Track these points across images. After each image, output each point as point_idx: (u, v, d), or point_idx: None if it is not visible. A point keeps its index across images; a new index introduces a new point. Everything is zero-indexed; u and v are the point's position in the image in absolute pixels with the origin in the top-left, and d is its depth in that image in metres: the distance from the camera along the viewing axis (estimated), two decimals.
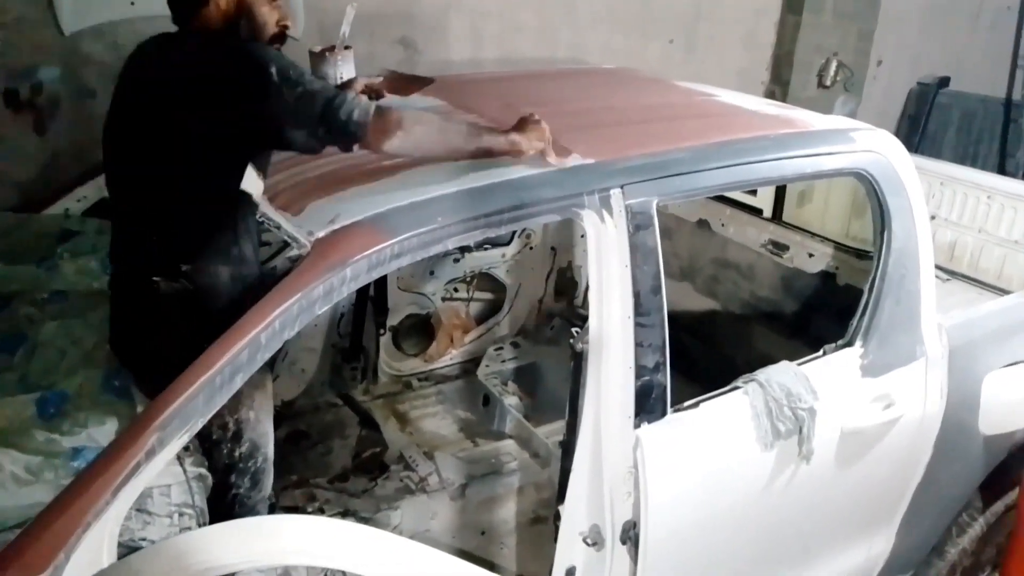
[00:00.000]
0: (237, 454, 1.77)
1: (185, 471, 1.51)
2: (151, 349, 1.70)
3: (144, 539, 1.41)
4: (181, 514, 1.49)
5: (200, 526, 1.50)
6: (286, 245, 2.70)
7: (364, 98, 1.63)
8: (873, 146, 2.06)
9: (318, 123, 1.54)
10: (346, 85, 1.97)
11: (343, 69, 2.04)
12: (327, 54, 2.00)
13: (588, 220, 1.67)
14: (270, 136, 1.60)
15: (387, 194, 1.57)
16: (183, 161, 1.61)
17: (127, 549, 1.36)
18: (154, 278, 1.66)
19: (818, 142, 2.02)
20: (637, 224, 1.68)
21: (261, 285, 1.63)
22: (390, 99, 2.05)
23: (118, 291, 1.79)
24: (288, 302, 1.38)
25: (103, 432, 1.61)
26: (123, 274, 1.78)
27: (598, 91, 2.39)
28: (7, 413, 1.65)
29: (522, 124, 1.68)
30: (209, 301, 1.67)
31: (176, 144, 1.60)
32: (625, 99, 2.33)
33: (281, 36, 1.79)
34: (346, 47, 2.02)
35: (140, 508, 1.43)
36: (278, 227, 1.55)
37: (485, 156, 1.66)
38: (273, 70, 1.53)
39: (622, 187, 1.69)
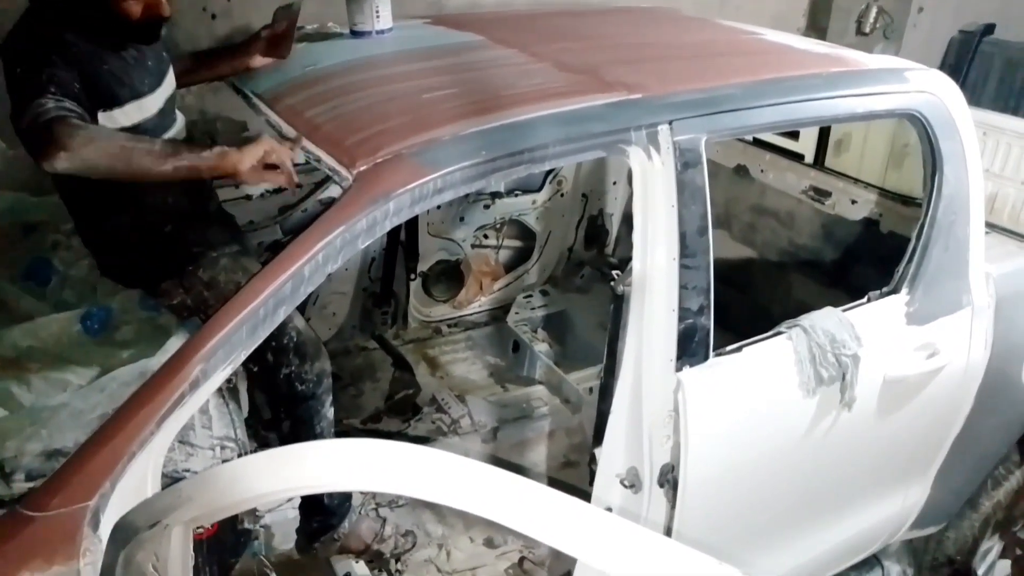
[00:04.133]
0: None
1: (227, 404, 1.50)
2: (120, 269, 1.91)
3: (188, 470, 1.41)
4: (223, 447, 1.49)
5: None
6: (320, 185, 2.68)
7: (56, 108, 1.51)
8: (927, 87, 1.98)
9: (16, 118, 1.53)
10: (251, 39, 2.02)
11: (378, 2, 1.98)
12: None
13: (634, 157, 1.62)
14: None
15: (429, 127, 1.52)
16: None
17: (170, 480, 1.36)
18: (76, 228, 1.92)
19: (871, 81, 1.94)
20: (685, 162, 1.63)
21: (176, 207, 1.89)
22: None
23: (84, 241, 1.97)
24: (331, 235, 1.35)
25: (151, 345, 1.61)
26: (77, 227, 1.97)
27: (640, 28, 2.31)
28: (53, 331, 1.66)
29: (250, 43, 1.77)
30: (124, 238, 1.87)
31: None
32: (669, 36, 2.26)
33: (152, 13, 1.75)
34: None
35: (183, 440, 1.43)
36: (318, 160, 1.52)
37: (192, 175, 1.58)
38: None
39: (670, 123, 1.63)
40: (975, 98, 5.30)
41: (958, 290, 2.07)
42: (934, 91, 1.99)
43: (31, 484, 1.35)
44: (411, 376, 2.93)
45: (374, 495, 2.42)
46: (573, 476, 2.53)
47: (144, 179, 1.57)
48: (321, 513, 2.17)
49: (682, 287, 1.67)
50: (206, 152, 1.56)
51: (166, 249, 1.92)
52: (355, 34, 2.06)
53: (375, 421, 2.71)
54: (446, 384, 2.95)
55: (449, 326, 3.35)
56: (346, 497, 2.21)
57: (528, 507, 1.21)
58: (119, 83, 1.77)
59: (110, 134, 1.62)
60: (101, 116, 1.72)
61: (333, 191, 2.71)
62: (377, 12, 2.02)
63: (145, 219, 1.90)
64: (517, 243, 3.46)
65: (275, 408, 2.01)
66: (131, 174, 1.54)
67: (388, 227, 1.43)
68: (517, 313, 3.26)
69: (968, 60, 5.22)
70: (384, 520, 2.39)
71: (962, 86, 2.07)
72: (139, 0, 1.73)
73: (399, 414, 2.74)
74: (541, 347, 3.08)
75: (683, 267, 1.66)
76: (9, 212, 2.08)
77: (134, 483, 1.27)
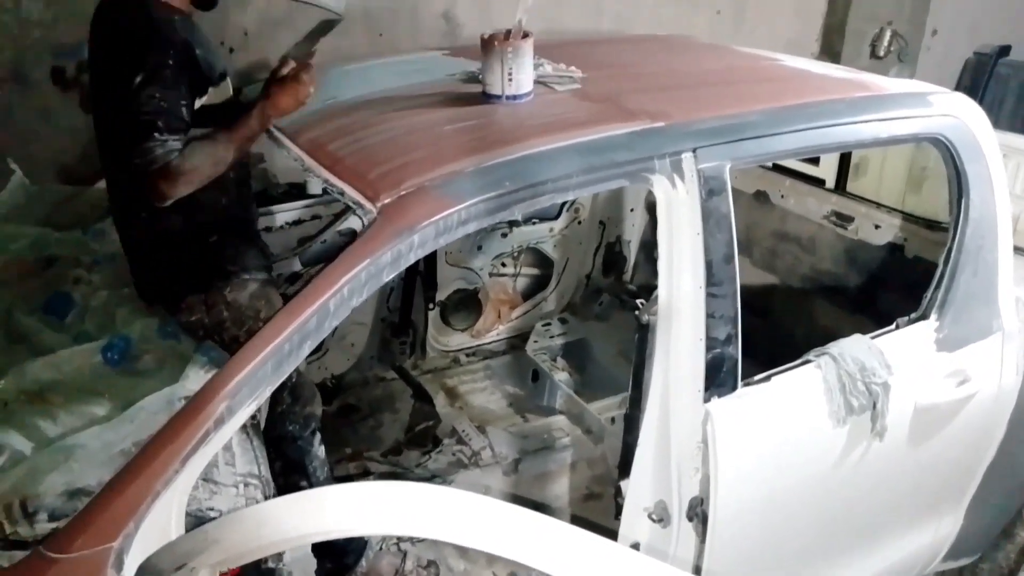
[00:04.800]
0: None
1: (251, 440, 1.48)
2: (150, 279, 1.95)
3: (212, 509, 1.39)
4: (247, 484, 1.47)
5: (266, 497, 1.48)
6: (339, 216, 2.69)
7: (163, 156, 1.64)
8: (951, 110, 1.97)
9: (131, 146, 1.65)
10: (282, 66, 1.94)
11: (513, 64, 1.72)
12: (496, 44, 1.73)
13: (658, 186, 1.60)
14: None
15: (452, 159, 1.52)
16: (110, 118, 1.81)
17: (194, 519, 1.34)
18: (118, 227, 1.95)
19: (894, 106, 1.93)
20: (710, 189, 1.62)
21: (225, 218, 1.93)
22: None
23: (123, 241, 1.99)
24: (356, 268, 1.35)
25: (173, 373, 1.62)
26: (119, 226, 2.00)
27: (659, 56, 2.32)
28: (74, 363, 1.66)
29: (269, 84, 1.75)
30: (167, 241, 1.88)
31: (102, 101, 1.84)
32: (688, 63, 2.26)
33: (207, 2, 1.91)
34: (524, 35, 1.75)
35: (207, 478, 1.41)
36: (342, 193, 1.51)
37: (253, 142, 1.75)
38: (140, 78, 1.66)
39: (694, 151, 1.62)
40: (992, 120, 5.27)
41: (988, 315, 2.04)
42: (958, 114, 1.97)
43: (54, 524, 1.33)
44: (431, 407, 2.91)
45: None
46: (596, 508, 2.49)
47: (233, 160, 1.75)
48: (333, 554, 2.14)
49: (709, 316, 1.65)
50: (251, 121, 1.73)
51: (203, 261, 1.93)
52: (487, 96, 1.79)
53: (395, 453, 2.68)
54: (466, 415, 2.92)
55: (467, 355, 3.33)
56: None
57: (555, 548, 1.18)
58: (210, 68, 1.87)
59: (199, 154, 1.70)
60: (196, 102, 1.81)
61: (352, 222, 2.71)
62: (509, 76, 1.74)
63: (195, 223, 1.91)
64: (535, 271, 3.44)
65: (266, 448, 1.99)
66: (216, 175, 1.73)
67: (412, 259, 1.42)
68: (536, 342, 3.24)
69: (984, 82, 5.19)
70: (405, 554, 2.36)
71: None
72: None
73: (419, 446, 2.72)
74: (561, 376, 3.05)
75: (710, 295, 1.64)
76: (32, 246, 2.09)
77: (158, 523, 1.25)
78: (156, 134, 1.64)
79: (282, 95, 1.73)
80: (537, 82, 1.84)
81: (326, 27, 2.12)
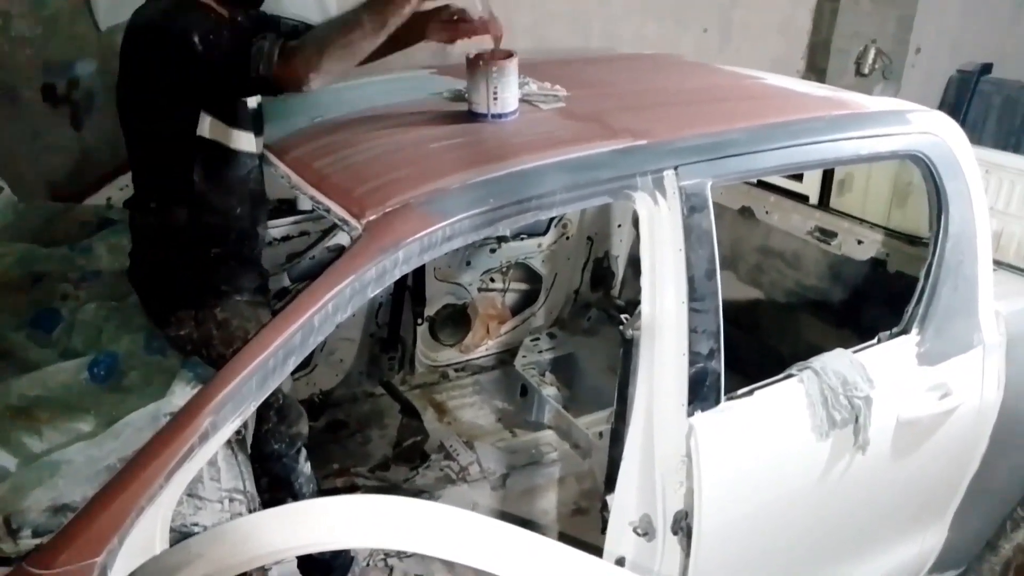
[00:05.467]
0: None
1: (236, 455, 1.49)
2: (146, 273, 1.95)
3: (196, 524, 1.39)
4: (232, 499, 1.47)
5: (251, 511, 1.48)
6: (327, 232, 2.70)
7: (273, 44, 1.60)
8: (930, 127, 2.00)
9: (237, 82, 1.66)
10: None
11: (498, 82, 1.73)
12: (481, 63, 1.74)
13: (641, 202, 1.63)
14: (199, 94, 1.73)
15: (437, 176, 1.53)
16: (144, 108, 1.82)
17: (179, 534, 1.34)
18: (130, 212, 1.96)
19: (874, 123, 1.96)
20: (691, 206, 1.64)
21: (232, 230, 1.92)
22: None
23: (131, 227, 2.00)
24: (341, 284, 1.36)
25: (159, 389, 1.62)
26: (131, 211, 2.01)
27: (644, 74, 2.34)
28: (60, 379, 1.66)
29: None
30: (170, 237, 1.87)
31: (139, 92, 1.82)
32: (672, 82, 2.29)
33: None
34: (509, 54, 1.77)
35: (191, 493, 1.42)
36: (327, 210, 1.53)
37: (391, 27, 1.61)
38: (196, 38, 1.65)
39: (676, 168, 1.64)
40: (975, 136, 5.29)
41: (969, 329, 2.06)
42: (936, 132, 2.00)
43: (38, 540, 1.33)
44: (419, 423, 2.91)
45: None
46: (584, 523, 2.49)
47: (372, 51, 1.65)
48: (319, 570, 2.13)
49: (692, 331, 1.66)
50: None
51: (200, 275, 1.91)
52: (472, 114, 1.80)
53: (383, 469, 2.68)
54: (454, 430, 2.92)
55: (456, 370, 3.34)
56: (344, 550, 2.18)
57: (544, 565, 1.19)
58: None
59: (324, 37, 1.64)
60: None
61: (341, 238, 2.72)
62: (495, 94, 1.75)
63: (201, 223, 1.89)
64: (523, 286, 3.46)
65: (252, 465, 1.99)
66: (362, 53, 1.63)
67: (397, 275, 1.44)
68: (524, 356, 3.25)
69: (967, 99, 5.27)
70: (392, 570, 2.35)
71: (962, 125, 2.09)
72: None
73: (407, 461, 2.72)
74: (549, 391, 3.06)
75: (692, 311, 1.66)
76: (19, 263, 2.09)
77: (142, 538, 1.25)
78: (253, 42, 1.61)
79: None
80: (522, 100, 1.87)
81: None
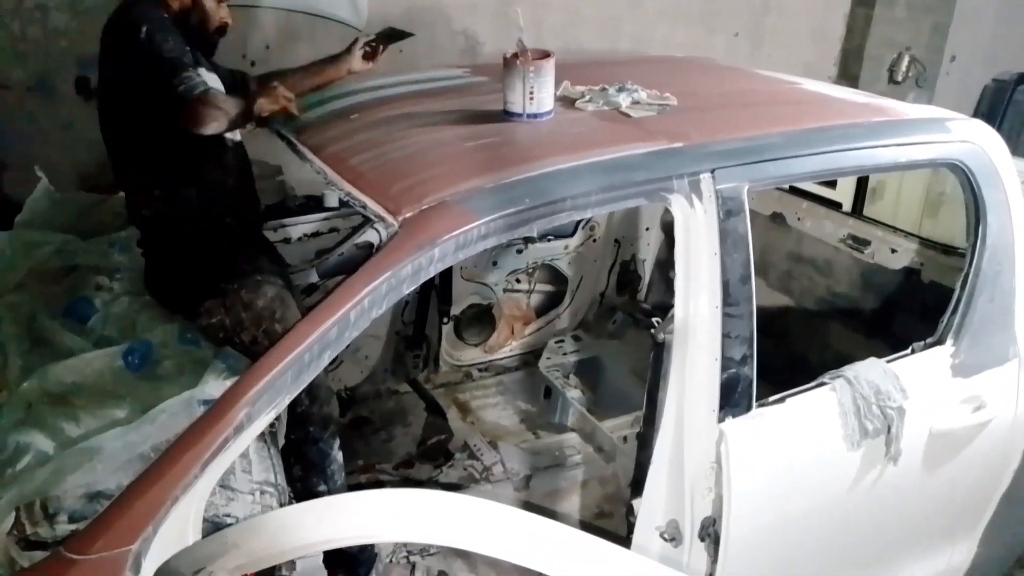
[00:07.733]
0: None
1: (268, 448, 1.50)
2: (166, 271, 2.04)
3: (228, 515, 1.40)
4: (263, 491, 1.48)
5: (281, 505, 1.49)
6: (356, 229, 2.71)
7: (202, 83, 1.79)
8: (969, 136, 1.97)
9: (166, 89, 1.76)
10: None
11: (534, 82, 1.73)
12: (518, 62, 1.73)
13: (677, 205, 1.62)
14: (144, 86, 1.83)
15: (473, 175, 1.54)
16: (118, 101, 1.97)
17: (211, 525, 1.35)
18: (139, 208, 2.04)
19: (913, 131, 1.94)
20: (728, 210, 1.63)
21: (244, 200, 2.11)
22: None
23: (139, 227, 2.10)
24: (377, 280, 1.37)
25: (192, 378, 1.64)
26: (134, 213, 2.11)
27: (679, 77, 2.33)
28: (96, 367, 1.68)
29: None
30: (183, 218, 2.00)
31: (110, 93, 1.99)
32: (708, 85, 2.27)
33: (222, 30, 2.10)
34: (546, 55, 1.77)
35: (224, 484, 1.43)
36: (364, 206, 1.53)
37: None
38: (144, 29, 1.82)
39: (712, 172, 1.63)
40: (1011, 146, 5.24)
41: (1005, 341, 2.03)
42: (976, 141, 1.98)
43: (74, 526, 1.35)
44: (444, 421, 2.92)
45: (405, 542, 2.39)
46: (607, 527, 2.48)
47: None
48: (345, 563, 2.14)
49: (725, 336, 1.65)
50: (328, 69, 2.17)
51: (217, 267, 1.99)
52: (508, 114, 1.79)
53: (407, 466, 2.69)
54: (478, 430, 2.92)
55: (480, 370, 3.34)
56: (369, 544, 2.18)
57: (585, 560, 1.19)
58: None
59: (224, 98, 1.85)
60: None
61: (370, 235, 2.73)
62: (531, 94, 1.75)
63: (207, 200, 2.03)
64: (549, 288, 3.45)
65: (284, 452, 2.01)
66: (231, 128, 1.87)
67: (432, 273, 1.44)
68: (549, 358, 3.24)
69: (1003, 109, 5.19)
70: (414, 567, 2.35)
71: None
72: (219, 7, 2.07)
73: (431, 460, 2.72)
74: (573, 393, 3.05)
75: (726, 316, 1.65)
76: (57, 254, 2.12)
77: (176, 527, 1.27)
78: (188, 68, 1.79)
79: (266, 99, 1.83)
80: (631, 106, 1.88)
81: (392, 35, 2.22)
